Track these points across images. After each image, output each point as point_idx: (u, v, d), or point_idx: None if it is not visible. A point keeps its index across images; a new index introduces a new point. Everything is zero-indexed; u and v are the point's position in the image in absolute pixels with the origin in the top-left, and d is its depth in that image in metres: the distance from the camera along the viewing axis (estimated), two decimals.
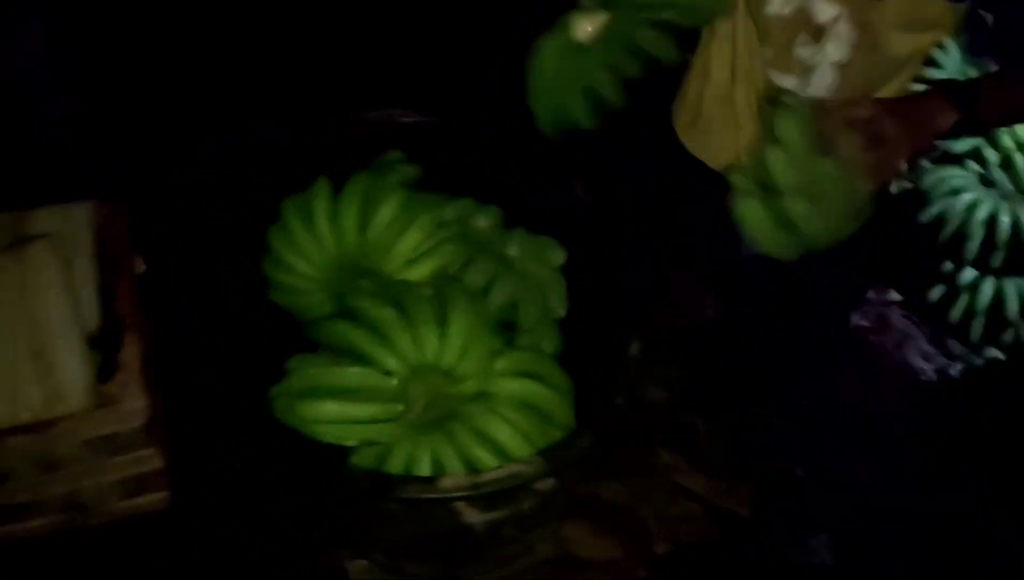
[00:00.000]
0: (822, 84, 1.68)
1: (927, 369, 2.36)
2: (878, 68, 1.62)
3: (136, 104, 2.39)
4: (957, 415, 2.25)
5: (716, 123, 1.91)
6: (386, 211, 1.50)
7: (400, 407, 1.39)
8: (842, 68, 1.65)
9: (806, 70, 1.69)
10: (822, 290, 2.30)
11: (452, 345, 1.42)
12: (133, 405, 1.64)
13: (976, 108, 1.49)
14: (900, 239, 2.48)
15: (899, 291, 2.49)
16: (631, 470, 2.08)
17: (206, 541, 1.89)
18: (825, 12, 1.62)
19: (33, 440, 1.60)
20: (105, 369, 1.66)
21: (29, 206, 1.79)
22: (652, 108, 2.06)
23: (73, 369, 1.61)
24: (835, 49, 1.62)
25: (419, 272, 1.52)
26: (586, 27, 1.59)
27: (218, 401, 2.06)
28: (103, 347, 1.69)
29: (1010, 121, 1.61)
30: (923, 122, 1.48)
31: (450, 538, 1.50)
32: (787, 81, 1.72)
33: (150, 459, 1.78)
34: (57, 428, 1.60)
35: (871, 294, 2.52)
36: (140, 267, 1.93)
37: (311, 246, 1.52)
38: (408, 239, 1.50)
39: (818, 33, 1.63)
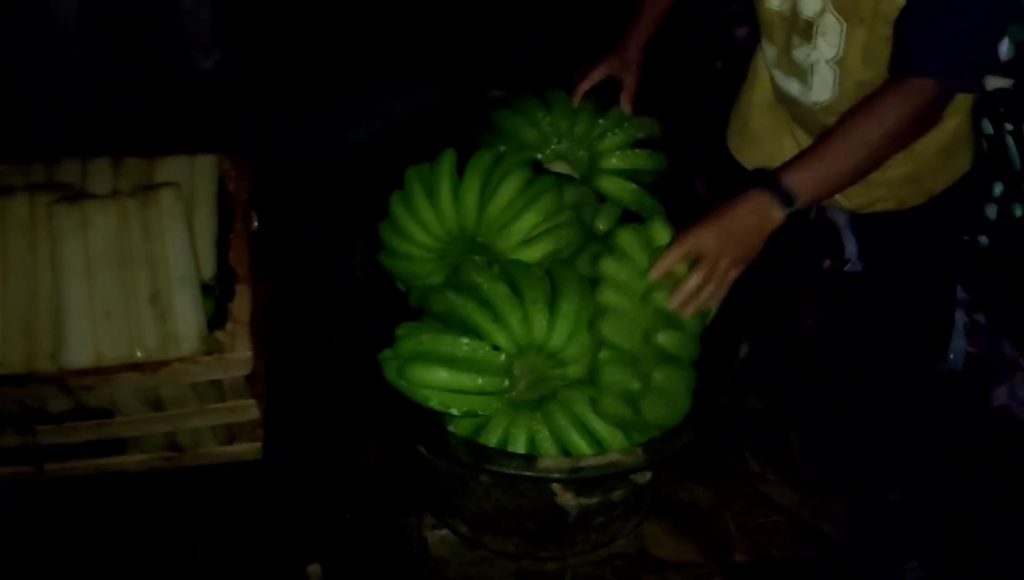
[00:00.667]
0: (824, 87, 1.55)
1: None
2: (877, 54, 1.48)
3: (272, 67, 2.45)
4: None
5: (761, 131, 1.83)
6: (507, 190, 1.50)
7: (505, 382, 1.39)
8: (840, 64, 1.51)
9: (805, 73, 1.57)
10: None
11: (560, 329, 1.41)
12: (241, 355, 1.69)
13: (798, 198, 1.39)
14: (1010, 265, 2.38)
15: (1009, 321, 2.38)
16: (717, 474, 2.05)
17: (293, 495, 1.94)
18: (810, 6, 1.48)
19: (143, 378, 1.65)
20: (217, 317, 1.71)
21: (161, 153, 1.85)
22: None
23: (188, 314, 1.67)
24: (827, 45, 1.52)
25: (533, 253, 1.51)
26: None
27: (318, 360, 2.12)
28: (217, 296, 1.74)
29: (837, 191, 1.49)
30: (747, 228, 1.39)
31: (539, 518, 1.50)
32: (792, 86, 1.62)
33: (248, 409, 1.83)
34: (167, 370, 1.66)
35: (979, 318, 2.42)
36: (255, 223, 1.99)
37: (431, 216, 1.53)
38: (526, 219, 1.49)
39: (808, 30, 1.51)
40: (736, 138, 1.90)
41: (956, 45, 1.35)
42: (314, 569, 1.84)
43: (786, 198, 1.38)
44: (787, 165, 1.42)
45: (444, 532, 1.80)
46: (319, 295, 2.09)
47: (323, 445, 1.99)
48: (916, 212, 1.68)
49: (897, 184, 1.63)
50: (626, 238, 1.45)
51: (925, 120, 1.40)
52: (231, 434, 1.91)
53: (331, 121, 2.18)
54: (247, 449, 1.94)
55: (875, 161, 1.42)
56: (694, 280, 1.39)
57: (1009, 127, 2.32)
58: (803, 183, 1.39)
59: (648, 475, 1.38)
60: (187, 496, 1.91)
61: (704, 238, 1.39)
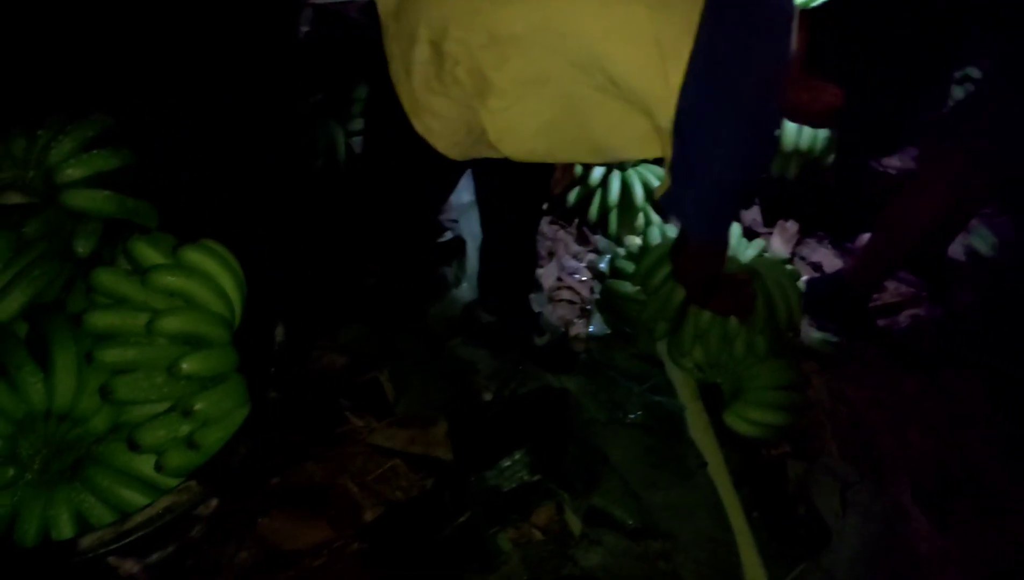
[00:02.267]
0: None
1: (579, 266, 2.50)
2: None
3: None
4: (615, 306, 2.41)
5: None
6: None
7: (11, 471, 1.17)
8: None
9: None
10: None
11: (62, 385, 1.21)
12: None
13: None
14: None
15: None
16: (323, 446, 2.00)
17: None
18: None
19: None
20: None
21: None
22: None
23: None
24: None
25: (6, 310, 1.27)
26: None
27: None
28: None
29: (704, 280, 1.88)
30: None
31: None
32: None
33: None
34: None
35: None
36: None
37: None
38: None
39: None
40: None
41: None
42: None
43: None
44: None
45: None
46: None
47: None
48: None
49: None
50: (105, 279, 1.28)
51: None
52: None
53: None
54: None
55: None
56: None
57: None
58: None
59: (215, 503, 1.27)
60: None
61: None
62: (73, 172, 1.44)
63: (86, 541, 1.14)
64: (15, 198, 1.43)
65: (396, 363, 2.08)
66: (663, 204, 1.61)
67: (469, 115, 1.46)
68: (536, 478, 1.95)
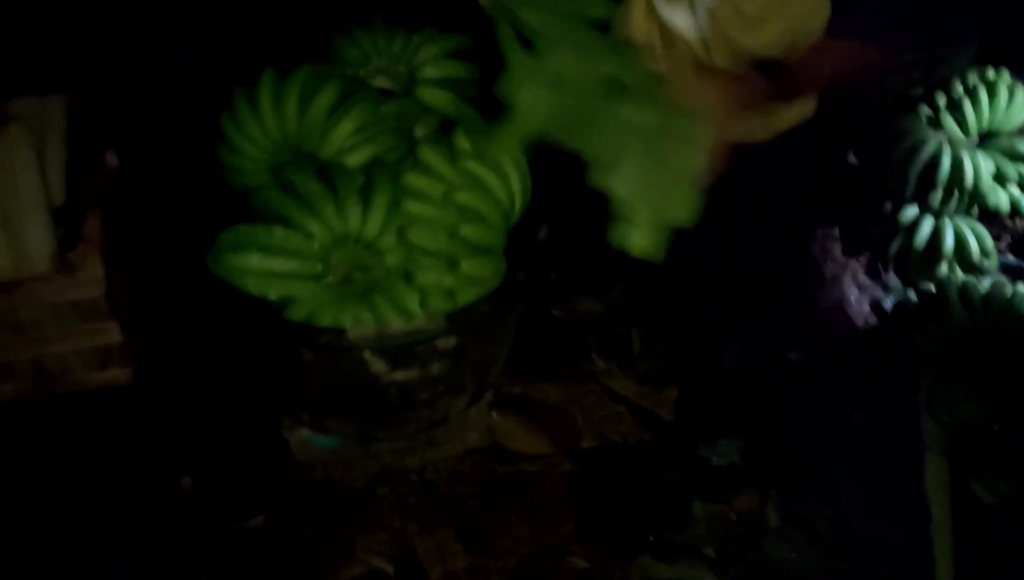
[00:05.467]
0: (702, 25, 1.63)
1: (861, 299, 2.46)
2: (742, 17, 1.56)
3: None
4: (886, 343, 2.35)
5: None
6: (323, 99, 1.63)
7: (319, 266, 1.52)
8: (712, 13, 1.61)
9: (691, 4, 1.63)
10: (770, 223, 2.40)
11: (374, 219, 1.55)
12: (92, 273, 1.79)
13: (789, 80, 1.51)
14: (845, 178, 2.58)
15: (842, 228, 2.59)
16: (565, 375, 2.22)
17: (165, 415, 2.05)
18: None
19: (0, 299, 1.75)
20: (68, 240, 1.81)
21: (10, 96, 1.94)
22: None
23: (38, 236, 1.76)
24: None
25: (354, 159, 1.64)
26: None
27: (178, 280, 2.22)
28: (67, 220, 1.84)
29: (833, 87, 1.63)
30: (738, 97, 1.49)
31: (365, 396, 1.63)
32: (678, 17, 1.66)
33: (110, 331, 1.93)
34: (22, 290, 1.76)
35: (817, 229, 2.62)
36: (113, 161, 2.09)
37: (256, 129, 1.65)
38: (344, 127, 1.63)
39: None
40: None
41: None
42: (186, 482, 1.96)
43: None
44: None
45: (305, 433, 1.93)
46: (179, 217, 2.14)
47: (192, 363, 2.10)
48: None
49: None
50: (428, 153, 1.60)
51: None
52: (101, 359, 2.00)
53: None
54: (118, 374, 2.03)
55: None
56: None
57: None
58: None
59: (452, 340, 1.53)
60: (62, 422, 2.01)
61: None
62: (431, 72, 1.81)
63: (354, 334, 1.46)
64: (383, 82, 1.83)
65: (647, 324, 2.24)
66: None
67: None
68: (747, 465, 2.00)
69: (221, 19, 2.23)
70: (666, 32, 1.67)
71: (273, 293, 1.50)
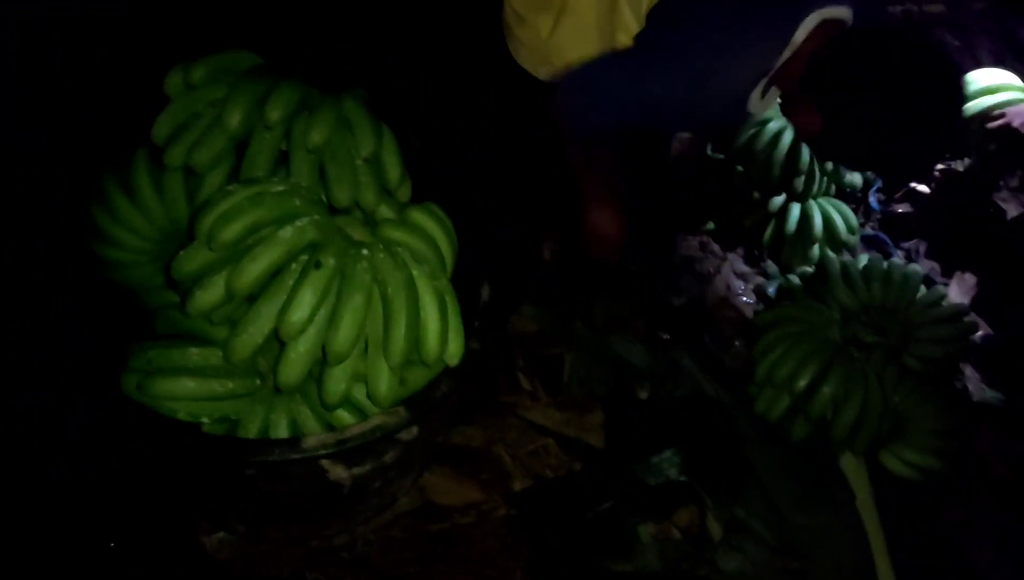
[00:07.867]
0: None
1: (745, 287, 2.54)
2: None
3: None
4: None
5: None
6: (215, 178, 1.42)
7: (256, 381, 1.34)
8: None
9: None
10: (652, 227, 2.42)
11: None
12: None
13: None
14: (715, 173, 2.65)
15: (716, 222, 2.66)
16: (486, 414, 2.13)
17: (64, 526, 1.77)
18: None
19: None
20: None
21: None
22: None
23: None
24: None
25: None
26: None
27: (61, 387, 1.92)
28: None
29: None
30: None
31: (315, 499, 1.48)
32: None
33: None
34: None
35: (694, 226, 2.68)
36: None
37: (136, 218, 1.42)
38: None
39: None
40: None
41: None
42: None
43: None
44: None
45: (222, 534, 1.73)
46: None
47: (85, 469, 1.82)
48: None
49: None
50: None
51: None
52: None
53: None
54: None
55: None
56: None
57: None
58: None
59: (415, 430, 1.41)
60: None
61: None
62: None
63: (309, 442, 1.30)
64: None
65: (574, 346, 2.19)
66: None
67: None
68: (682, 479, 2.01)
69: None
70: None
71: (208, 417, 1.31)
